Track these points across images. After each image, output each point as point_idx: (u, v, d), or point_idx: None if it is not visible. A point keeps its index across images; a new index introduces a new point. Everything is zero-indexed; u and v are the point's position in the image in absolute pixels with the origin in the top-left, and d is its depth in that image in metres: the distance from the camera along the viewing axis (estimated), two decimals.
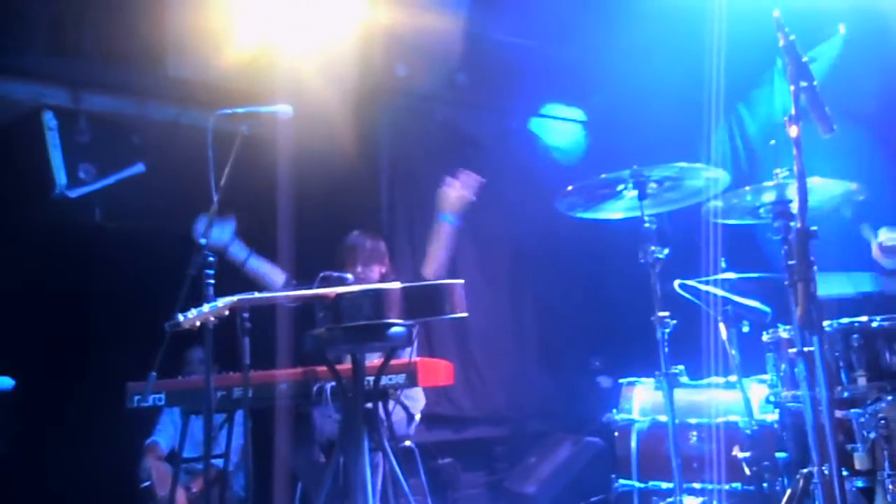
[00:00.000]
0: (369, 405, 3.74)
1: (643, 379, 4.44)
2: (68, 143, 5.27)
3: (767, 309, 3.99)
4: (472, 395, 6.37)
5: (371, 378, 3.74)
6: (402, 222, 6.30)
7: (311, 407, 4.31)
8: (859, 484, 3.41)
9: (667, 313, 3.56)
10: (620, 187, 3.73)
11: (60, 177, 5.23)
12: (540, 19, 6.20)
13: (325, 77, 5.47)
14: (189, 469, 5.01)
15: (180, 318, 3.20)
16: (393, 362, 3.76)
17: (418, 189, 6.41)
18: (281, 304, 4.19)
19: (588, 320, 6.81)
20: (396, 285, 3.46)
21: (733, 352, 4.05)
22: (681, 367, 4.03)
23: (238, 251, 4.45)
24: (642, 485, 4.21)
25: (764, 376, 3.86)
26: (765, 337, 3.65)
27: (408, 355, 3.90)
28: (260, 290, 4.33)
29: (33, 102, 5.22)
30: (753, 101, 5.35)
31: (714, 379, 4.25)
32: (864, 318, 3.31)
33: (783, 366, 3.51)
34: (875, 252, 3.89)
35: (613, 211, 3.93)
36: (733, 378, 4.07)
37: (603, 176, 3.68)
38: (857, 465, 3.37)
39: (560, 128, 6.86)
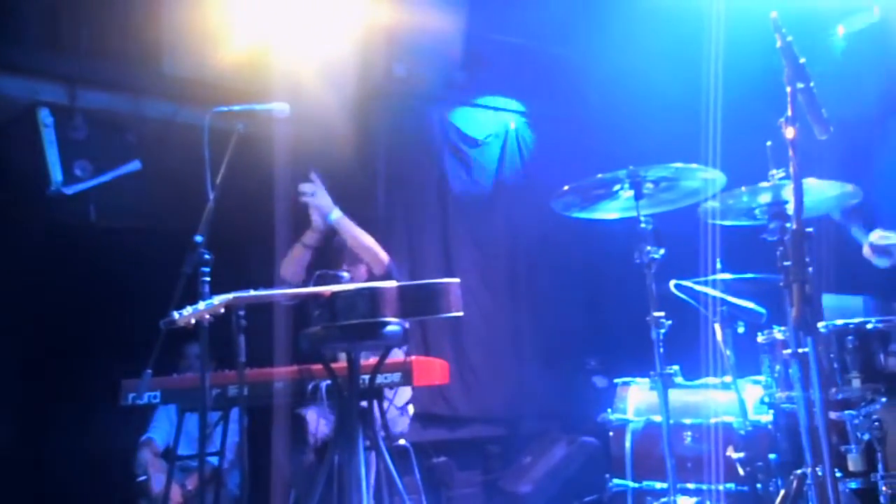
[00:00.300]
0: (364, 404, 3.74)
1: (638, 379, 4.45)
2: (64, 140, 5.26)
3: (762, 310, 4.00)
4: (468, 395, 6.37)
5: (366, 377, 3.74)
6: (399, 221, 6.30)
7: (306, 406, 4.31)
8: (853, 485, 3.42)
9: (662, 313, 3.56)
10: (616, 187, 3.73)
11: (56, 174, 5.22)
12: (538, 20, 6.21)
13: (322, 75, 5.46)
14: (184, 466, 5.01)
15: (175, 315, 3.19)
16: (388, 361, 3.76)
17: (415, 188, 6.42)
18: (277, 302, 4.19)
19: (583, 320, 6.82)
20: (392, 284, 3.46)
21: (728, 352, 4.05)
22: (676, 367, 4.03)
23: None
24: (636, 485, 4.21)
25: (758, 377, 3.86)
26: (760, 338, 3.66)
27: (403, 354, 3.91)
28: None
29: (29, 99, 5.21)
30: None
31: (709, 379, 4.25)
32: (858, 320, 3.32)
33: (778, 367, 3.51)
34: (866, 251, 3.89)
35: (609, 211, 3.93)
36: (728, 379, 4.08)
37: (599, 176, 3.68)
38: (851, 467, 3.37)
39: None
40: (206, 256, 3.51)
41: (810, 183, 3.20)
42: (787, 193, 3.17)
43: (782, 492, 3.40)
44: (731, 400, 4.05)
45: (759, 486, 3.86)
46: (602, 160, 3.94)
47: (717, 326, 4.07)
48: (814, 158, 2.74)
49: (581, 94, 6.42)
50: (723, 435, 4.04)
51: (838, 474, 3.27)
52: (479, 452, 6.53)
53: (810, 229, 2.51)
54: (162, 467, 5.04)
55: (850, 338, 3.28)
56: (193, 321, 3.25)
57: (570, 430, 6.20)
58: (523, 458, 6.11)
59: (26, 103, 5.22)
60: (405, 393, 4.55)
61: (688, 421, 4.16)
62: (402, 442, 4.39)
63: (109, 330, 5.30)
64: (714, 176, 3.63)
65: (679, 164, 3.60)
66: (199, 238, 3.56)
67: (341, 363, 3.81)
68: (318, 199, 4.23)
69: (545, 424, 6.52)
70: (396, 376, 3.82)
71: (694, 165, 3.64)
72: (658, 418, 3.96)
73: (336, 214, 4.27)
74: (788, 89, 2.60)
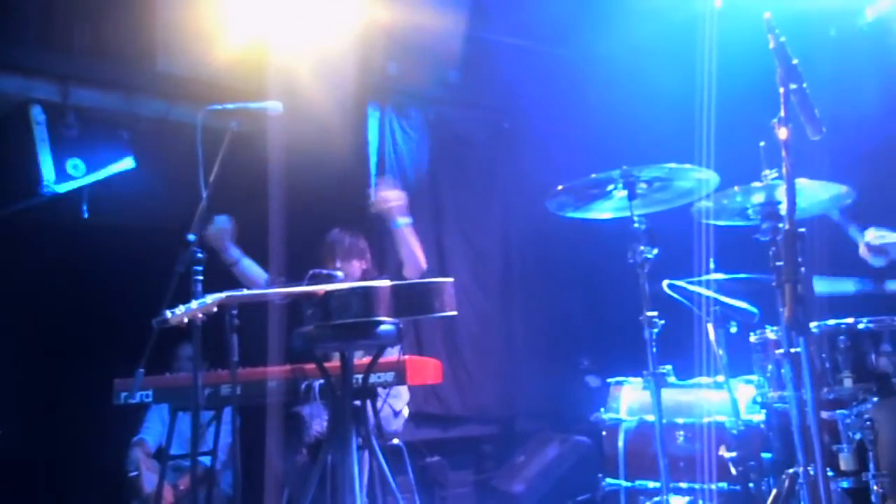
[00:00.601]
0: (357, 403, 3.74)
1: (631, 378, 4.46)
2: (56, 137, 5.25)
3: (755, 310, 4.01)
4: (461, 394, 6.37)
5: (359, 376, 3.73)
6: None
7: (300, 405, 4.31)
8: (844, 485, 3.43)
9: (655, 313, 3.56)
10: (610, 187, 3.73)
11: (48, 172, 5.21)
12: (533, 19, 6.21)
13: (317, 74, 5.46)
14: (176, 466, 5.00)
15: (168, 314, 3.19)
16: (381, 360, 3.76)
17: (409, 188, 6.41)
18: (271, 301, 4.19)
19: (577, 320, 6.83)
20: (386, 283, 3.46)
21: (721, 352, 4.06)
22: (668, 366, 4.04)
23: (234, 252, 4.50)
24: (629, 484, 4.22)
25: (751, 377, 3.87)
26: (752, 338, 3.67)
27: (396, 353, 3.91)
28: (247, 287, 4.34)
29: (21, 96, 5.20)
30: None
31: (701, 379, 4.26)
32: (850, 320, 3.33)
33: (770, 366, 3.52)
34: (862, 251, 3.90)
35: (603, 211, 3.93)
36: (720, 378, 4.09)
37: (593, 176, 3.68)
38: (843, 466, 3.39)
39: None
40: (199, 255, 3.50)
41: (803, 183, 3.21)
42: (781, 194, 3.18)
43: (774, 491, 3.41)
44: (724, 399, 4.06)
45: (751, 485, 3.87)
46: (596, 160, 3.94)
47: (710, 326, 4.08)
48: (807, 158, 2.75)
49: (575, 93, 6.42)
50: (715, 434, 4.05)
51: (830, 473, 3.27)
52: (472, 451, 6.53)
53: (803, 229, 2.51)
54: (154, 467, 5.04)
55: (841, 338, 3.29)
56: (186, 320, 3.24)
57: (563, 429, 6.20)
58: (516, 458, 6.11)
59: (19, 101, 5.20)
60: (403, 396, 4.55)
61: (680, 420, 4.17)
62: (395, 441, 4.39)
63: (102, 328, 5.29)
64: (707, 176, 3.63)
65: (673, 165, 3.60)
66: (192, 236, 3.55)
67: (335, 362, 3.81)
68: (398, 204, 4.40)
69: (538, 424, 6.52)
70: (390, 375, 3.82)
71: (687, 165, 3.64)
72: (651, 418, 3.97)
73: (405, 220, 4.32)
74: (781, 90, 2.60)
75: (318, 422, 4.28)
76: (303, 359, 3.91)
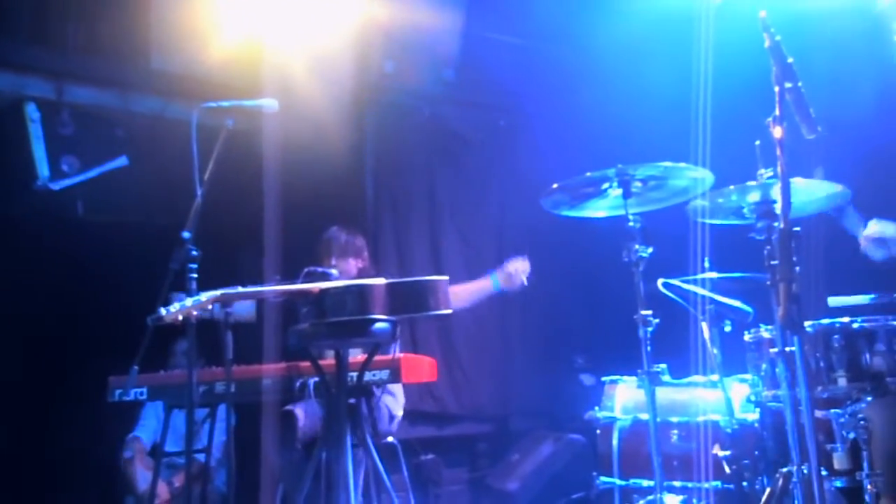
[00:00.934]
0: (352, 401, 3.74)
1: (625, 377, 4.46)
2: (51, 135, 5.24)
3: (749, 308, 4.01)
4: (456, 392, 6.38)
5: (354, 374, 3.73)
6: (388, 219, 6.30)
7: (294, 403, 4.31)
8: (838, 484, 3.44)
9: (650, 312, 3.57)
10: (605, 186, 3.73)
11: (43, 169, 5.20)
12: (529, 18, 6.21)
13: (312, 72, 5.45)
14: (171, 463, 4.99)
15: (163, 311, 3.19)
16: (377, 358, 3.76)
17: (404, 186, 6.42)
18: (266, 299, 4.19)
19: (572, 318, 6.83)
20: (381, 281, 3.46)
21: (715, 351, 4.06)
22: (663, 365, 4.05)
23: None
24: (623, 482, 4.22)
25: (745, 375, 3.87)
26: (746, 336, 3.67)
27: (391, 352, 3.90)
28: None
29: (16, 94, 5.19)
30: None
31: (696, 378, 4.26)
32: (845, 319, 3.34)
33: (764, 365, 3.52)
34: (863, 243, 3.86)
35: (598, 209, 3.93)
36: (715, 377, 4.09)
37: (588, 174, 3.68)
38: (837, 465, 3.39)
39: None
40: (194, 253, 3.50)
41: (798, 182, 3.22)
42: (776, 192, 3.18)
43: (768, 490, 3.41)
44: (718, 398, 4.07)
45: (745, 484, 3.88)
46: (591, 158, 3.94)
47: (705, 325, 4.08)
48: (803, 157, 2.75)
49: (570, 92, 6.42)
50: (709, 433, 4.06)
51: (824, 472, 3.28)
52: (466, 450, 6.53)
53: (797, 228, 2.51)
54: (148, 465, 5.03)
55: (835, 337, 3.29)
56: (181, 317, 3.24)
57: (558, 427, 6.21)
58: (511, 456, 6.12)
59: (13, 98, 5.19)
60: (399, 399, 4.56)
61: (675, 419, 4.17)
62: (390, 439, 4.39)
63: (96, 325, 5.28)
64: (702, 175, 3.64)
65: (668, 163, 3.61)
66: (186, 234, 3.55)
67: (329, 360, 3.81)
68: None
69: (533, 422, 6.53)
70: (385, 373, 3.82)
71: (682, 164, 3.64)
72: (645, 416, 3.97)
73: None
74: (776, 89, 2.60)
75: (311, 420, 4.27)
76: (298, 356, 3.91)
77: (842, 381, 3.27)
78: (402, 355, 3.88)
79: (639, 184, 3.68)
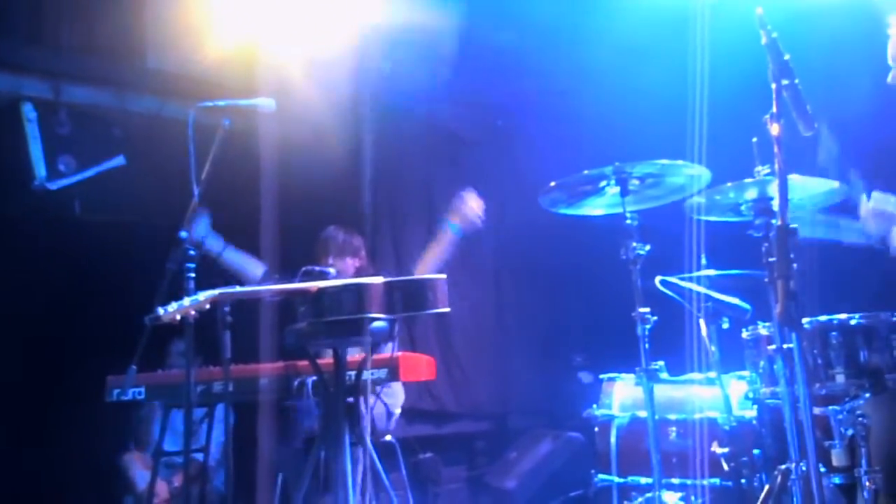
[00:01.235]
0: (350, 400, 3.74)
1: (623, 375, 4.46)
2: (48, 135, 5.23)
3: (747, 306, 4.01)
4: (454, 391, 6.38)
5: (352, 372, 3.73)
6: (385, 218, 6.29)
7: (293, 401, 4.31)
8: (836, 480, 3.44)
9: (647, 309, 3.57)
10: (603, 184, 3.74)
11: (40, 169, 5.19)
12: (526, 17, 6.20)
13: (310, 71, 5.45)
14: (169, 463, 4.99)
15: (160, 311, 3.18)
16: (375, 357, 3.76)
17: (401, 185, 6.41)
18: (263, 298, 4.18)
19: (569, 316, 6.83)
20: (378, 280, 3.46)
21: (713, 348, 4.07)
22: (661, 363, 4.05)
23: (214, 244, 4.44)
24: (622, 480, 4.22)
25: (743, 373, 3.88)
26: (744, 334, 3.67)
27: (389, 350, 3.90)
28: (240, 283, 4.32)
29: (12, 94, 5.18)
30: None
31: (693, 375, 4.27)
32: (842, 316, 3.34)
33: (762, 362, 3.52)
34: (864, 215, 3.79)
35: (595, 207, 3.94)
36: (713, 374, 4.09)
37: (585, 172, 3.68)
38: (835, 462, 3.39)
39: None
40: (191, 252, 3.50)
41: (795, 179, 3.22)
42: (773, 190, 3.18)
43: (766, 487, 3.41)
44: (716, 395, 4.07)
45: (743, 481, 3.88)
46: (588, 156, 3.94)
47: (702, 322, 4.08)
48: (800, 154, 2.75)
49: (567, 90, 6.42)
50: (707, 430, 4.06)
51: (822, 469, 3.28)
52: (465, 448, 6.54)
53: (795, 226, 2.51)
54: (147, 464, 5.03)
55: (833, 333, 3.29)
56: (178, 317, 3.24)
57: (556, 425, 6.21)
58: (509, 454, 6.12)
59: (10, 98, 5.18)
60: (399, 396, 4.56)
61: (673, 416, 4.17)
62: (388, 438, 4.39)
63: (94, 325, 5.27)
64: (700, 172, 3.64)
65: (665, 161, 3.61)
66: (183, 234, 3.55)
67: (327, 359, 3.81)
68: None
69: (531, 420, 6.53)
70: (383, 372, 3.82)
71: (680, 162, 3.64)
72: (643, 414, 3.98)
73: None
74: (773, 86, 2.60)
75: (309, 418, 4.27)
76: (295, 355, 3.91)
77: (840, 378, 3.26)
78: (400, 354, 3.88)
79: (636, 181, 3.69)
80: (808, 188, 3.42)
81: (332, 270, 3.96)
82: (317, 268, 3.88)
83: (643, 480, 4.13)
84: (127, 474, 5.04)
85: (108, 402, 4.03)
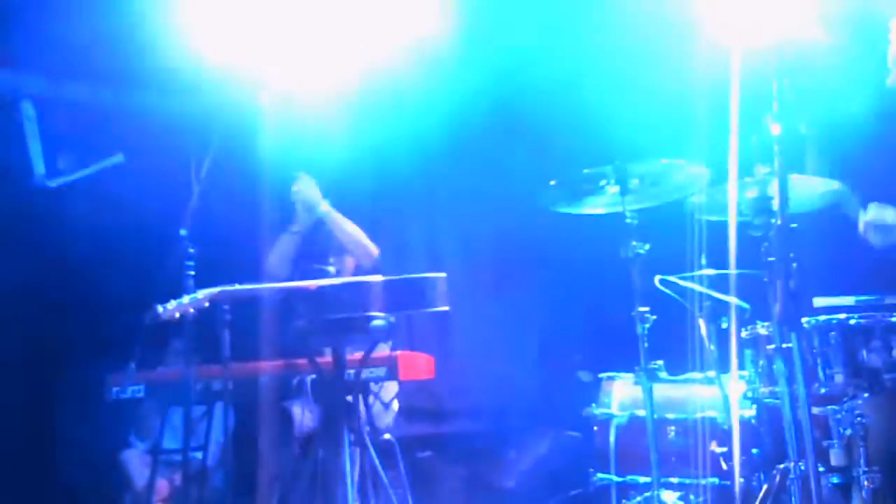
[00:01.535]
0: (349, 398, 3.73)
1: (622, 374, 4.46)
2: (47, 132, 5.22)
3: (746, 305, 4.01)
4: (453, 389, 6.38)
5: (351, 371, 3.73)
6: (385, 216, 6.28)
7: (291, 400, 4.30)
8: (835, 480, 3.44)
9: (647, 308, 3.57)
10: (603, 182, 3.74)
11: (38, 167, 5.18)
12: (525, 14, 6.20)
13: (311, 66, 5.44)
14: (171, 460, 4.99)
15: (160, 309, 3.19)
16: (374, 355, 3.76)
17: (401, 182, 6.40)
18: (263, 297, 4.18)
19: (569, 315, 6.82)
20: (378, 278, 3.46)
21: (712, 347, 4.07)
22: (660, 362, 4.05)
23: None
24: (620, 479, 4.23)
25: (742, 372, 3.88)
26: (743, 333, 3.67)
27: (388, 349, 3.90)
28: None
29: (12, 92, 5.17)
30: None
31: (693, 374, 4.27)
32: (841, 316, 3.34)
33: (761, 362, 3.53)
34: (863, 229, 3.80)
35: (595, 206, 3.94)
36: (712, 374, 4.09)
37: (585, 171, 3.68)
38: (833, 462, 3.40)
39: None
40: (191, 250, 3.50)
41: (796, 179, 3.22)
42: (773, 189, 3.17)
43: (765, 486, 3.42)
44: (715, 395, 4.07)
45: (742, 480, 3.88)
46: (588, 155, 3.94)
47: (702, 321, 4.08)
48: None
49: (568, 88, 6.41)
50: (707, 430, 4.06)
51: (820, 469, 3.29)
52: (463, 447, 6.53)
53: (795, 225, 2.52)
54: (146, 461, 5.03)
55: (832, 333, 3.29)
56: (178, 315, 3.24)
57: (555, 424, 6.21)
58: (508, 453, 6.12)
59: (9, 96, 5.17)
60: (391, 388, 4.55)
61: (672, 416, 4.17)
62: (387, 436, 4.39)
63: (93, 324, 5.27)
64: (700, 171, 3.64)
65: (665, 160, 3.61)
66: (183, 231, 3.55)
67: (326, 357, 3.80)
68: (307, 193, 4.23)
69: (530, 419, 6.53)
70: (382, 371, 3.81)
71: (680, 161, 3.65)
72: (642, 413, 3.98)
73: (324, 207, 4.29)
74: (774, 85, 2.61)
75: (307, 417, 4.27)
76: (295, 354, 3.90)
77: (838, 378, 3.27)
78: (399, 353, 3.88)
79: (636, 180, 3.69)
80: (809, 187, 3.43)
81: (331, 269, 3.96)
82: (316, 266, 3.89)
83: (642, 479, 4.13)
84: (126, 472, 5.04)
85: (107, 400, 4.02)
